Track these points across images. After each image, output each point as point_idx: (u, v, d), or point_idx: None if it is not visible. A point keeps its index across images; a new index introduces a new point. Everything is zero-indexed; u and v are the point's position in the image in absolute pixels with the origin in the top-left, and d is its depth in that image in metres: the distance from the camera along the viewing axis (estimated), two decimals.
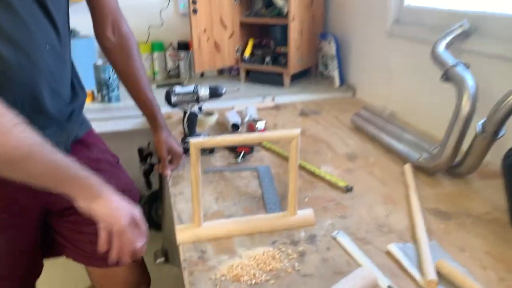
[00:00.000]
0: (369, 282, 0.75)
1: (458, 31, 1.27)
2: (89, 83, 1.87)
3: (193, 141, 0.84)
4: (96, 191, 0.78)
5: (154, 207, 2.32)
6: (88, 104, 1.79)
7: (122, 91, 1.79)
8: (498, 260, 0.82)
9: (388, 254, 0.85)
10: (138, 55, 1.17)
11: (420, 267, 0.80)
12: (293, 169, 0.90)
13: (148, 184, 1.61)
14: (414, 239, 0.89)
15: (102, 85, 1.78)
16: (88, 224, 0.94)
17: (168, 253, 2.13)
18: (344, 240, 0.89)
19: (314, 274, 0.79)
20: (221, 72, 2.40)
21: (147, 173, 1.56)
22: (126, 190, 1.08)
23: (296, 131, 0.88)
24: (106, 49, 1.14)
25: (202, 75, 2.35)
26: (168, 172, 1.21)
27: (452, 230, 0.93)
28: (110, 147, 1.20)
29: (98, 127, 1.48)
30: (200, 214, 0.90)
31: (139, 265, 1.24)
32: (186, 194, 1.10)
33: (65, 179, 0.73)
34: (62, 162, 0.72)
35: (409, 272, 0.79)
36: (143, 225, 0.87)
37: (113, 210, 0.79)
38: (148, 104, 1.20)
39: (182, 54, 2.26)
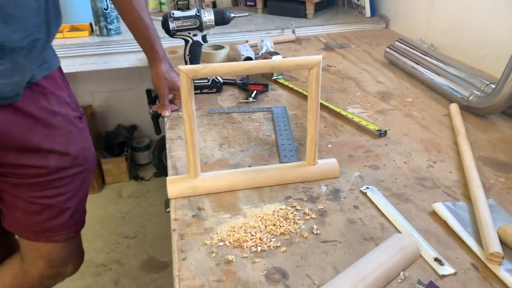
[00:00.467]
0: (410, 253, 0.57)
1: None
2: (86, 16, 1.67)
3: (183, 67, 0.65)
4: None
5: (164, 153, 2.18)
6: (86, 38, 1.60)
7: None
8: None
9: (434, 215, 0.66)
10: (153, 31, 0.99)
11: (476, 234, 0.61)
12: (313, 107, 0.71)
13: (157, 128, 1.43)
14: (467, 196, 0.70)
15: (99, 16, 1.57)
16: (27, 190, 0.84)
17: None
18: (377, 196, 0.71)
19: (338, 240, 0.62)
20: (236, 3, 2.15)
21: (155, 117, 1.39)
22: (79, 156, 0.91)
23: (317, 58, 0.67)
24: None
25: (214, 5, 2.10)
26: (167, 113, 1.03)
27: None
28: (112, 87, 1.02)
29: (97, 63, 1.29)
30: (197, 163, 0.72)
31: (72, 243, 1.05)
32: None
33: None
34: None
35: (463, 239, 0.61)
36: None
37: None
38: (143, 31, 1.00)
39: None
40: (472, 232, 0.62)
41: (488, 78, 1.06)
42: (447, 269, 0.56)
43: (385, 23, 1.76)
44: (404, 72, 1.25)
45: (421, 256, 0.58)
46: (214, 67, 0.66)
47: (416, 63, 1.21)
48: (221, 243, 0.62)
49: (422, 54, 1.23)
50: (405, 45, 1.32)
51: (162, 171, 2.26)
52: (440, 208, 0.66)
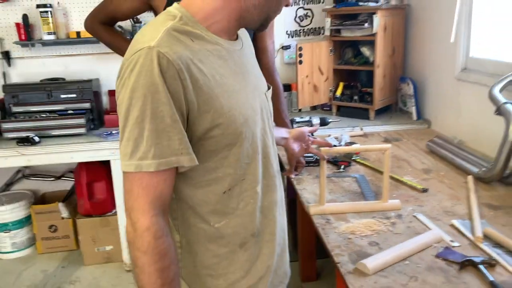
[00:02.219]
0: (437, 237, 1.21)
1: (510, 78, 1.70)
2: None
3: (323, 148, 1.37)
4: None
5: None
6: None
7: None
8: None
9: (452, 226, 1.30)
10: (282, 98, 1.79)
11: (472, 231, 1.24)
12: (386, 171, 1.38)
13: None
14: (470, 218, 1.33)
15: None
16: None
17: None
18: (421, 217, 1.35)
19: (402, 233, 1.26)
20: (314, 108, 2.93)
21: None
22: None
23: (388, 145, 1.37)
24: None
25: (299, 110, 2.90)
26: (293, 175, 1.75)
27: (499, 215, 1.36)
28: None
29: None
30: (324, 197, 1.41)
31: None
32: (307, 188, 1.62)
33: None
34: None
35: (464, 233, 1.24)
36: None
37: None
38: (285, 127, 1.76)
39: (285, 94, 2.83)
40: (470, 230, 1.25)
41: (491, 160, 1.70)
42: (455, 244, 1.18)
43: (428, 124, 2.46)
44: (440, 157, 1.91)
45: (443, 239, 1.21)
46: (338, 149, 1.38)
47: (448, 152, 1.88)
48: (343, 231, 1.28)
49: (452, 146, 1.90)
50: (441, 140, 2.00)
51: None
52: (455, 222, 1.30)
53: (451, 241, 1.20)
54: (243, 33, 1.03)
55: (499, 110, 1.61)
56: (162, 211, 0.83)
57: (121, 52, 1.80)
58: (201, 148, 0.88)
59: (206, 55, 0.86)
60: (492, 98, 1.68)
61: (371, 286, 1.02)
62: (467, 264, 1.08)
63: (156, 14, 1.72)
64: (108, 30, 1.77)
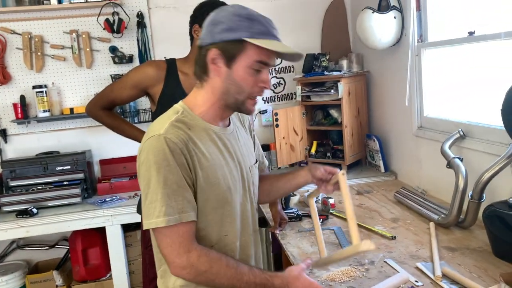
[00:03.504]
0: (404, 278, 1.43)
1: (456, 136, 1.99)
2: None
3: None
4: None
5: None
6: None
7: None
8: (482, 270, 1.47)
9: (416, 268, 1.52)
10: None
11: (433, 272, 1.46)
12: (347, 199, 1.27)
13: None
14: (432, 260, 1.55)
15: None
16: None
17: None
18: (391, 262, 1.57)
19: (375, 277, 1.47)
20: (292, 165, 3.17)
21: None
22: None
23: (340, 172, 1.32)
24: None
25: (279, 168, 3.14)
26: (277, 231, 1.95)
27: (456, 256, 1.59)
28: None
29: None
30: (323, 248, 1.58)
31: None
32: (291, 242, 1.83)
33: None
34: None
35: (427, 274, 1.45)
36: None
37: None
38: None
39: (265, 153, 3.08)
40: (431, 271, 1.47)
41: (449, 206, 1.95)
42: (419, 283, 1.40)
43: (394, 175, 2.73)
44: (406, 207, 2.16)
45: (409, 280, 1.43)
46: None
47: (413, 202, 2.13)
48: (326, 279, 1.48)
49: (416, 196, 2.16)
50: (406, 191, 2.26)
51: None
52: (419, 264, 1.52)
53: (416, 281, 1.42)
54: (237, 119, 1.37)
55: (450, 164, 1.89)
56: (196, 248, 1.11)
57: (122, 133, 2.03)
58: (204, 210, 1.17)
59: (200, 138, 1.16)
60: (443, 153, 1.96)
61: None
62: None
63: (152, 99, 1.97)
64: (109, 114, 2.01)
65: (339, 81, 2.70)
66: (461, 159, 1.87)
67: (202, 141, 1.16)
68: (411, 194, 2.20)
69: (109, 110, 2.01)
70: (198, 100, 1.21)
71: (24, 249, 3.03)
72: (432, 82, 2.34)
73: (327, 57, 2.97)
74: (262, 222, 2.45)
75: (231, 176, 1.21)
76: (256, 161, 1.39)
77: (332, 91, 2.74)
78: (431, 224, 1.88)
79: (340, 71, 2.84)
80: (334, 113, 2.89)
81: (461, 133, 1.99)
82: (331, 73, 2.79)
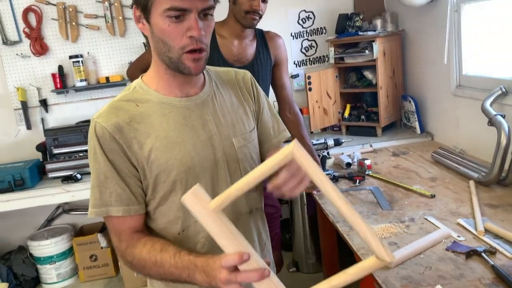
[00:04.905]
0: (446, 233, 1.43)
1: (498, 92, 1.94)
2: None
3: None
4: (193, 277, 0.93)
5: (283, 233, 3.06)
6: None
7: None
8: None
9: (458, 224, 1.52)
10: (303, 125, 2.02)
11: (475, 227, 1.46)
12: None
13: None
14: (473, 216, 1.55)
15: None
16: None
17: (299, 264, 2.85)
18: (431, 219, 1.58)
19: (416, 233, 1.49)
20: (324, 129, 3.17)
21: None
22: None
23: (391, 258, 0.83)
24: (285, 122, 1.97)
25: (311, 132, 3.14)
26: (315, 192, 1.98)
27: (498, 212, 1.58)
28: None
29: None
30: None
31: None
32: (328, 202, 1.85)
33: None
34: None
35: (469, 229, 1.46)
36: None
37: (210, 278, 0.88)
38: (309, 151, 2.00)
39: None
40: (473, 227, 1.47)
41: (489, 165, 1.93)
42: (461, 238, 1.41)
43: (431, 136, 2.69)
44: (444, 166, 2.14)
45: (451, 235, 1.43)
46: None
47: (451, 161, 2.10)
48: None
49: (454, 155, 2.13)
50: (444, 150, 2.23)
51: (282, 246, 3.11)
52: (460, 220, 1.52)
53: (458, 236, 1.43)
54: (228, 84, 1.14)
55: (491, 122, 1.85)
56: (128, 239, 1.01)
57: None
58: (156, 194, 1.02)
59: (148, 115, 1.01)
60: (484, 111, 1.92)
61: (394, 276, 1.25)
62: (472, 254, 1.30)
63: None
64: None
65: (373, 41, 2.65)
66: (503, 116, 1.82)
67: (152, 118, 1.01)
68: (449, 154, 2.18)
69: None
70: (150, 71, 1.07)
71: (70, 214, 3.18)
72: (472, 39, 2.26)
73: (361, 17, 2.90)
74: None
75: (195, 152, 1.02)
76: (252, 130, 1.13)
77: (367, 51, 2.69)
78: (471, 182, 1.86)
79: (374, 30, 2.77)
80: (368, 74, 2.85)
81: (503, 89, 1.93)
82: (365, 33, 2.73)
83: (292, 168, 0.87)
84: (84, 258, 3.00)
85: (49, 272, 2.97)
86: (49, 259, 2.95)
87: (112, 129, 0.98)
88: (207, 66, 1.12)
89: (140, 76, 1.08)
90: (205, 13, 0.96)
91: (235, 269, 0.83)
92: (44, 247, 2.93)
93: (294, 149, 0.79)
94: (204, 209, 0.82)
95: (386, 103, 2.79)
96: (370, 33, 2.71)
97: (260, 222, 1.18)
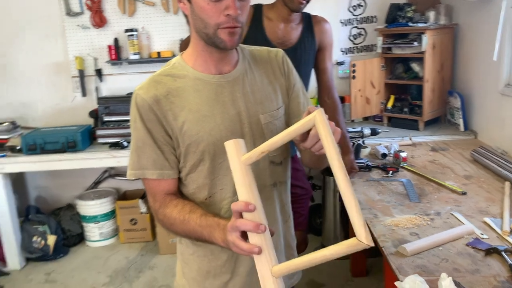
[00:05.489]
0: (469, 230, 1.44)
1: None
2: None
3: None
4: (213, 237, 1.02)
5: (314, 217, 3.12)
6: None
7: None
8: None
9: (484, 222, 1.52)
10: (340, 111, 2.05)
11: (501, 227, 1.46)
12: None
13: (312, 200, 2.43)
14: (502, 217, 1.54)
15: None
16: None
17: None
18: (457, 215, 1.58)
19: (439, 227, 1.50)
20: (366, 118, 3.16)
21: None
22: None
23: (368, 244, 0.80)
24: (322, 107, 2.01)
25: (352, 120, 3.15)
26: None
27: None
28: None
29: None
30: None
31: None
32: (358, 190, 1.89)
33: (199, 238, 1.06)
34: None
35: (494, 228, 1.45)
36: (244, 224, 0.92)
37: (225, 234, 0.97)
38: (343, 137, 2.03)
39: None
40: (499, 227, 1.46)
41: None
42: (484, 236, 1.41)
43: (474, 135, 2.63)
44: (482, 166, 2.10)
45: (474, 232, 1.44)
46: None
47: (490, 161, 2.06)
48: (388, 225, 1.53)
49: (495, 155, 2.09)
50: (484, 150, 2.19)
51: (312, 230, 3.16)
52: (487, 219, 1.52)
53: (481, 234, 1.43)
54: (256, 66, 1.18)
55: None
56: (161, 200, 1.10)
57: None
58: (187, 162, 1.11)
59: (184, 89, 1.09)
60: None
61: (408, 265, 1.28)
62: (492, 252, 1.31)
63: None
64: None
65: (423, 33, 2.60)
66: None
67: (187, 93, 1.09)
68: (490, 154, 2.13)
69: None
70: (189, 49, 1.13)
71: (115, 178, 3.39)
72: None
73: (413, 8, 2.85)
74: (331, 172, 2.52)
75: (224, 126, 1.10)
76: (280, 108, 1.18)
77: (415, 43, 2.65)
78: (507, 184, 1.83)
79: (425, 22, 2.72)
80: (415, 67, 2.80)
81: None
82: (415, 24, 2.68)
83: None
84: (125, 221, 3.20)
85: (92, 230, 3.20)
86: (94, 219, 3.17)
87: (150, 101, 1.06)
88: (242, 45, 1.19)
89: (180, 54, 1.16)
90: None
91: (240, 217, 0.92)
92: (90, 207, 3.16)
93: (316, 113, 0.86)
94: (237, 157, 0.95)
95: (431, 97, 2.75)
96: (420, 24, 2.66)
97: (284, 195, 1.24)
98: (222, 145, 1.06)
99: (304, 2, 1.89)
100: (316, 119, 0.87)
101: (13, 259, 2.94)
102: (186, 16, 1.10)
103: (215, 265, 1.17)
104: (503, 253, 1.29)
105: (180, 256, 1.24)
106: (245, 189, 0.93)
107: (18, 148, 2.80)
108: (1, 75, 3.21)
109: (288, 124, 1.20)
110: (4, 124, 2.94)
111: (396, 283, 1.10)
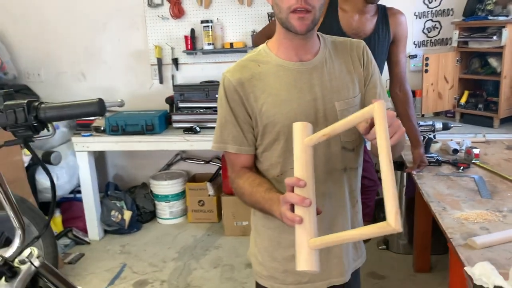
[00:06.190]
0: None
1: None
2: None
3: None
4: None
5: (379, 211, 3.11)
6: None
7: None
8: None
9: None
10: (412, 104, 2.05)
11: None
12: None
13: (377, 194, 2.45)
14: None
15: None
16: None
17: (389, 243, 2.91)
18: None
19: (511, 223, 1.48)
20: (437, 114, 3.09)
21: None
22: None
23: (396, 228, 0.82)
24: (393, 99, 2.02)
25: (422, 115, 3.09)
26: (414, 171, 2.02)
27: None
28: None
29: None
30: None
31: None
32: (427, 183, 1.89)
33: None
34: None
35: None
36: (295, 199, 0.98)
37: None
38: (413, 131, 2.03)
39: None
40: None
41: None
42: None
43: None
44: None
45: None
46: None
47: None
48: (459, 217, 1.54)
49: None
50: None
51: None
52: None
53: None
54: (336, 55, 1.24)
55: None
56: (237, 172, 1.22)
57: None
58: (263, 140, 1.21)
59: (266, 74, 1.18)
60: None
61: (477, 257, 1.29)
62: None
63: None
64: None
65: (504, 27, 2.50)
66: None
67: (269, 78, 1.18)
68: None
69: None
70: (274, 37, 1.23)
71: (186, 161, 3.59)
72: None
73: (494, 0, 2.74)
74: (399, 165, 2.52)
75: (299, 110, 1.17)
76: (356, 96, 1.24)
77: (494, 37, 2.55)
78: None
79: (507, 16, 2.60)
80: (493, 62, 2.70)
81: None
82: (496, 17, 2.58)
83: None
84: (194, 202, 3.39)
85: (164, 209, 3.42)
86: (165, 198, 3.39)
87: (236, 83, 1.17)
88: (325, 35, 1.26)
89: (266, 42, 1.26)
90: None
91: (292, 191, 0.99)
92: (162, 187, 3.38)
93: (376, 104, 0.89)
94: (301, 137, 1.02)
95: (508, 93, 2.64)
96: (501, 18, 2.56)
97: (354, 181, 1.30)
98: None
99: None
100: (375, 110, 0.89)
101: (93, 231, 3.23)
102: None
103: (285, 237, 1.25)
104: None
105: (254, 227, 1.35)
106: (300, 166, 1.00)
107: (102, 128, 3.06)
108: (88, 61, 3.50)
109: None
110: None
111: (465, 268, 1.12)
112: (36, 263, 0.96)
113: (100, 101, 0.86)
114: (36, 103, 0.84)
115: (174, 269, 2.84)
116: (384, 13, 2.05)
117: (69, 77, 3.56)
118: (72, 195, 3.28)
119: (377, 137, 0.89)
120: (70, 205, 3.25)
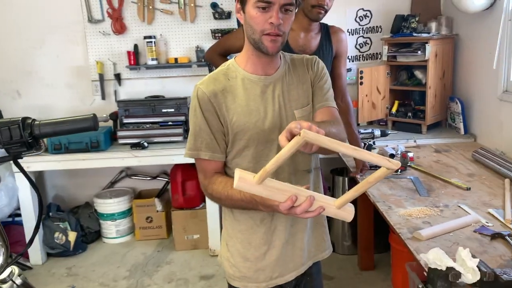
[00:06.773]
0: (476, 219, 1.62)
1: None
2: None
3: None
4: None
5: None
6: None
7: None
8: None
9: (488, 213, 1.69)
10: (352, 114, 2.23)
11: (503, 216, 1.64)
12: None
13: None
14: (503, 208, 1.72)
15: None
16: None
17: (335, 245, 3.07)
18: (464, 207, 1.76)
19: (448, 217, 1.68)
20: (371, 122, 3.34)
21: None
22: None
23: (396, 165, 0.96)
24: None
25: (358, 124, 3.32)
26: (358, 176, 2.19)
27: None
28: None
29: None
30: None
31: None
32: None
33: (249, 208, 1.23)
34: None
35: (498, 218, 1.63)
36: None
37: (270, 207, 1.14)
38: (354, 138, 2.21)
39: None
40: (502, 216, 1.64)
41: None
42: (489, 224, 1.59)
43: (474, 138, 2.82)
44: (483, 165, 2.29)
45: (480, 221, 1.61)
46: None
47: (490, 161, 2.25)
48: (403, 214, 1.71)
49: (495, 156, 2.28)
50: (485, 151, 2.38)
51: None
52: (491, 210, 1.70)
53: (487, 222, 1.61)
54: (298, 65, 1.38)
55: None
56: (210, 177, 1.29)
57: None
58: (234, 148, 1.30)
59: (235, 87, 1.29)
60: None
61: (424, 247, 1.45)
62: (497, 236, 1.49)
63: None
64: (224, 60, 2.33)
65: (427, 43, 2.79)
66: None
67: (238, 90, 1.28)
68: (490, 154, 2.32)
69: (224, 56, 2.34)
70: (242, 53, 1.33)
71: (131, 178, 3.54)
72: None
73: (417, 19, 3.04)
74: (341, 171, 2.69)
75: (266, 119, 1.28)
76: (309, 104, 1.37)
77: (419, 52, 2.84)
78: (507, 181, 2.01)
79: (428, 33, 2.92)
80: (418, 74, 3.00)
81: None
82: (419, 34, 2.88)
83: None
84: (141, 219, 3.35)
85: (109, 228, 3.34)
86: (111, 216, 3.32)
87: (209, 94, 1.27)
88: (285, 53, 1.39)
89: (234, 57, 1.37)
90: (286, 8, 1.21)
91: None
92: (107, 205, 3.31)
93: (304, 134, 0.91)
94: (252, 186, 1.02)
95: (433, 102, 2.94)
96: (424, 35, 2.86)
97: (317, 180, 1.45)
98: (265, 135, 1.29)
99: (323, 12, 2.07)
100: (308, 138, 0.92)
101: (36, 255, 3.08)
102: (240, 25, 1.28)
103: (255, 237, 1.36)
104: (507, 237, 1.46)
105: (225, 231, 1.43)
106: (278, 195, 1.04)
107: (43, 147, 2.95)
108: (25, 78, 3.36)
109: (313, 116, 1.39)
110: None
111: (421, 255, 1.27)
112: (18, 281, 0.95)
113: (95, 117, 0.89)
114: (30, 120, 0.85)
115: (127, 287, 2.79)
116: (327, 31, 2.22)
117: (2, 96, 3.38)
118: (10, 219, 3.10)
119: (335, 150, 0.95)
120: (9, 229, 3.07)
